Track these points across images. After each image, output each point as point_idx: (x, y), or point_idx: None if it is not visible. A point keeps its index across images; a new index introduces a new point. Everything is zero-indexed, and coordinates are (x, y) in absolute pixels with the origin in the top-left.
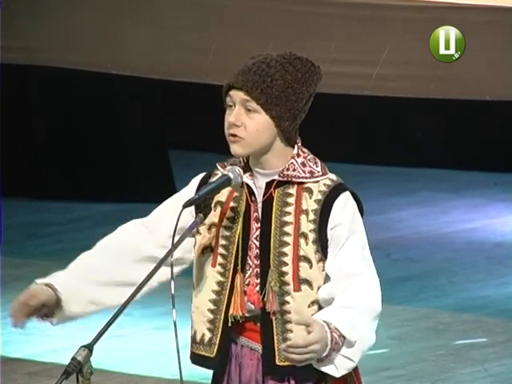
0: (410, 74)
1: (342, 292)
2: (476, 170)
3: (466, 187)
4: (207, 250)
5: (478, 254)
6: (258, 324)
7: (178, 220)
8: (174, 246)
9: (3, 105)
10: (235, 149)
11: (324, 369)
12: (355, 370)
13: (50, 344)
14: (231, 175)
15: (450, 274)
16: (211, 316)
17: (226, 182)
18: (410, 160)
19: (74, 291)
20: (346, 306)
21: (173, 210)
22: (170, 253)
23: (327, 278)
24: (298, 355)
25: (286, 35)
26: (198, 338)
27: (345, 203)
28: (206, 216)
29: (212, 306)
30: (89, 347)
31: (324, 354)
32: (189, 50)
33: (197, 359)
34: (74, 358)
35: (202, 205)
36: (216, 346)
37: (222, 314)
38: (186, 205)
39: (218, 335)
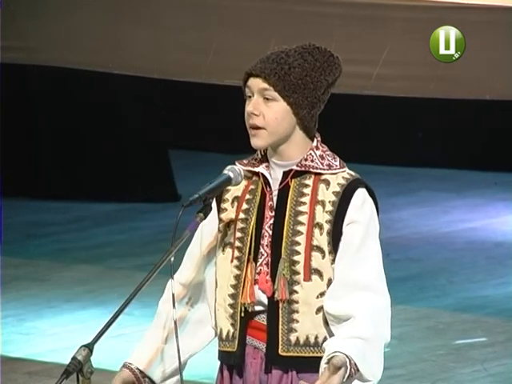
0: (410, 74)
1: (356, 313)
2: (476, 169)
3: (466, 187)
4: (227, 246)
5: (478, 254)
6: (264, 322)
7: (178, 220)
8: (174, 246)
9: (3, 104)
10: (255, 142)
11: None
12: None
13: (50, 343)
14: (231, 174)
15: (450, 274)
16: (231, 311)
17: (225, 181)
18: (410, 160)
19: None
20: (361, 336)
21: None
22: (169, 253)
23: (335, 276)
24: None
25: (286, 35)
26: (224, 334)
27: (363, 199)
28: (206, 215)
29: (231, 301)
30: (89, 347)
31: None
32: (189, 50)
33: (223, 356)
34: (74, 358)
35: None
36: (236, 340)
37: (239, 307)
38: (187, 204)
39: (238, 328)
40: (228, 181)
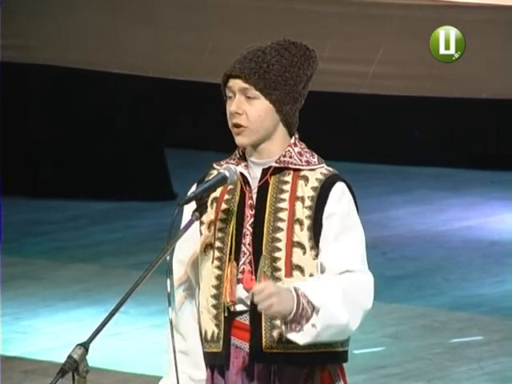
0: (406, 73)
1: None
2: (472, 168)
3: (462, 185)
4: (208, 248)
5: (474, 253)
6: (247, 322)
7: (174, 218)
8: (170, 245)
9: (2, 104)
10: (240, 139)
11: (290, 335)
12: (341, 368)
13: (46, 342)
14: (227, 173)
15: (446, 273)
16: (215, 311)
17: (221, 180)
18: (406, 158)
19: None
20: (323, 280)
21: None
22: (165, 251)
23: (322, 269)
24: (258, 295)
25: (283, 33)
26: (209, 335)
27: (341, 193)
28: (201, 214)
29: (214, 301)
30: (85, 345)
31: (290, 317)
32: (187, 49)
33: (208, 358)
34: (69, 357)
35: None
36: (221, 341)
37: (223, 307)
38: (183, 203)
39: (222, 328)
40: (223, 180)
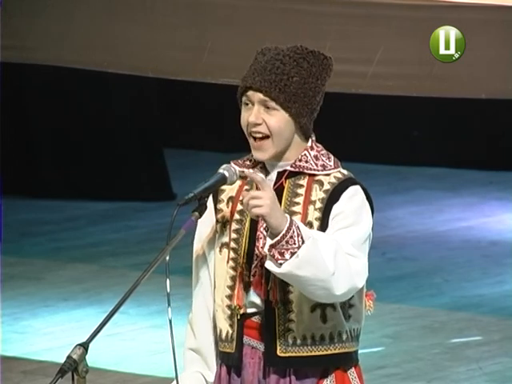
0: (405, 73)
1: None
2: (472, 168)
3: (461, 186)
4: (224, 247)
5: (473, 253)
6: (261, 321)
7: (174, 219)
8: (170, 245)
9: (0, 104)
10: (259, 155)
11: (268, 263)
12: (358, 368)
13: (46, 342)
14: (226, 173)
15: (446, 273)
16: (229, 312)
17: (220, 180)
18: (405, 158)
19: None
20: (319, 233)
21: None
22: (164, 252)
23: None
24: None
25: (282, 33)
26: (223, 335)
27: (352, 195)
28: (201, 214)
29: (229, 302)
30: (84, 345)
31: (276, 239)
32: (184, 49)
33: (223, 357)
34: (69, 357)
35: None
36: (235, 341)
37: (236, 308)
38: (182, 203)
39: (235, 329)
40: (223, 180)
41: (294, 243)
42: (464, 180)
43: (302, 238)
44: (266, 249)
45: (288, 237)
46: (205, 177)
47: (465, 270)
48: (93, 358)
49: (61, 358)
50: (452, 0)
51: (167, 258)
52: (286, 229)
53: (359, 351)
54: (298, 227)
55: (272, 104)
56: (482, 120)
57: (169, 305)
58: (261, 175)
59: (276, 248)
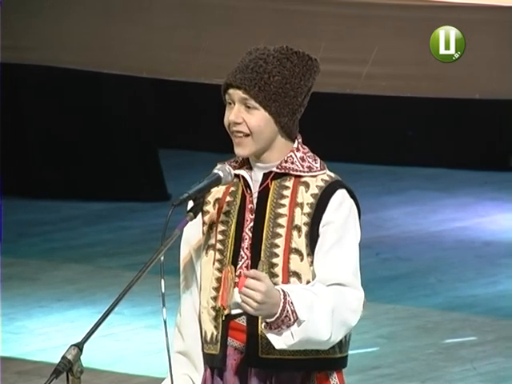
0: (399, 73)
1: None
2: (466, 168)
3: (455, 186)
4: (210, 249)
5: (467, 253)
6: (245, 323)
7: (168, 219)
8: (164, 246)
9: None
10: (239, 151)
11: (268, 335)
12: (339, 373)
13: (40, 343)
14: (221, 174)
15: (440, 273)
16: (214, 313)
17: (215, 180)
18: (399, 159)
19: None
20: (314, 291)
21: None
22: (159, 252)
23: (314, 276)
24: (245, 289)
25: (277, 34)
26: (208, 337)
27: (341, 201)
28: (195, 215)
29: (213, 303)
30: (79, 346)
31: (271, 320)
32: (180, 49)
33: (208, 359)
34: (64, 357)
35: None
36: (219, 343)
37: (221, 310)
38: (176, 204)
39: (220, 331)
40: (218, 180)
41: (290, 319)
42: (458, 180)
43: (296, 314)
44: (262, 326)
45: (283, 316)
46: (200, 177)
47: (459, 270)
48: (87, 359)
49: (55, 359)
50: (453, 0)
51: (162, 258)
52: (279, 311)
53: (353, 351)
54: (291, 303)
55: (252, 103)
56: (477, 120)
57: (163, 305)
58: (252, 271)
59: (272, 323)
